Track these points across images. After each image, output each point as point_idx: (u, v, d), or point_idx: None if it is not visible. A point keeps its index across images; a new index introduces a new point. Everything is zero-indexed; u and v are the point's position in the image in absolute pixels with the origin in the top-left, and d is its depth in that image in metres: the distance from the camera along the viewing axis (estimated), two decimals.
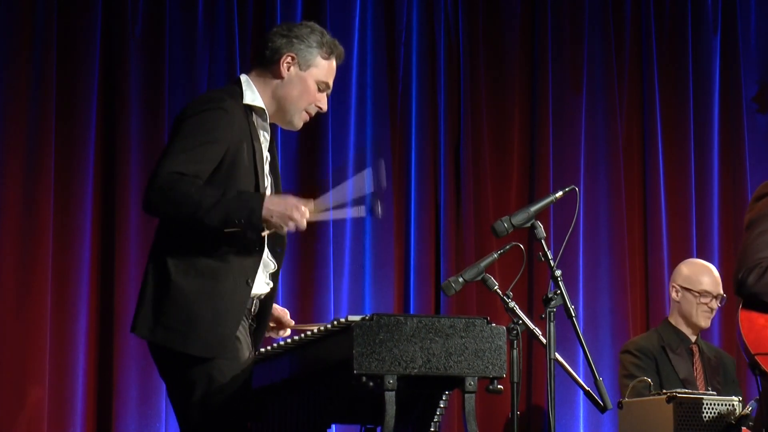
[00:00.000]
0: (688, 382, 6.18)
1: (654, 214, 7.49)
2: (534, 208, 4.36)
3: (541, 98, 7.37)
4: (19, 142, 6.42)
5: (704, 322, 6.39)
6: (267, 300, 4.25)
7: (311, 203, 4.00)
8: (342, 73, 7.08)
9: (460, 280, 4.38)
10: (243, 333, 4.12)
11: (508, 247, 4.43)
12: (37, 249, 6.37)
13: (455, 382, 3.92)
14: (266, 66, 4.18)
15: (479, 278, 4.39)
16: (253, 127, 4.13)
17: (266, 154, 4.21)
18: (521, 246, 4.44)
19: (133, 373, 6.43)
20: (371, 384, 3.75)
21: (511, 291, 4.37)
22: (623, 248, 7.36)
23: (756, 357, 4.26)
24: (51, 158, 6.44)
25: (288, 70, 4.15)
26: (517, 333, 4.24)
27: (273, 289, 4.26)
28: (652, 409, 5.43)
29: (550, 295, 4.21)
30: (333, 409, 3.99)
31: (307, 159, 6.93)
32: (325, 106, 4.21)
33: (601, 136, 7.46)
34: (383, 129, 7.10)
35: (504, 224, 4.32)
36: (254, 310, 4.21)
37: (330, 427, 4.08)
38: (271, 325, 4.35)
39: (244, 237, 4.04)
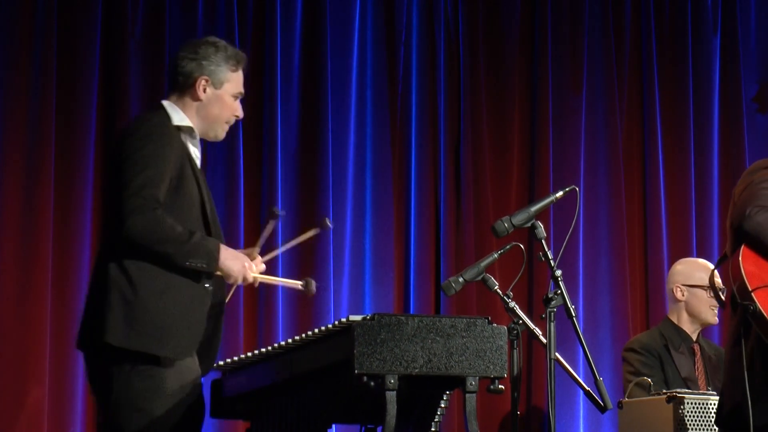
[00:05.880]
0: (690, 381, 6.17)
1: (654, 214, 7.49)
2: (534, 208, 4.36)
3: (541, 98, 7.36)
4: (19, 141, 6.42)
5: (713, 318, 6.41)
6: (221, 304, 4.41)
7: (258, 260, 4.32)
8: (342, 73, 7.14)
9: (460, 280, 4.38)
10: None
11: (508, 247, 4.43)
12: (37, 249, 6.36)
13: (456, 382, 3.93)
14: (183, 90, 4.42)
15: (479, 278, 4.39)
16: (186, 146, 4.35)
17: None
18: (521, 246, 4.43)
19: None
20: (372, 384, 3.76)
21: (511, 291, 4.37)
22: (623, 248, 7.36)
23: (753, 293, 4.18)
24: (51, 158, 6.43)
25: (204, 92, 4.40)
26: (518, 333, 4.24)
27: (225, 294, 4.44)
28: (652, 409, 5.43)
29: (550, 295, 4.20)
30: (333, 409, 3.99)
31: (307, 159, 6.92)
32: (241, 113, 4.48)
33: (601, 136, 7.45)
34: (383, 129, 7.10)
35: (504, 224, 4.32)
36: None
37: (330, 427, 4.08)
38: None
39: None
